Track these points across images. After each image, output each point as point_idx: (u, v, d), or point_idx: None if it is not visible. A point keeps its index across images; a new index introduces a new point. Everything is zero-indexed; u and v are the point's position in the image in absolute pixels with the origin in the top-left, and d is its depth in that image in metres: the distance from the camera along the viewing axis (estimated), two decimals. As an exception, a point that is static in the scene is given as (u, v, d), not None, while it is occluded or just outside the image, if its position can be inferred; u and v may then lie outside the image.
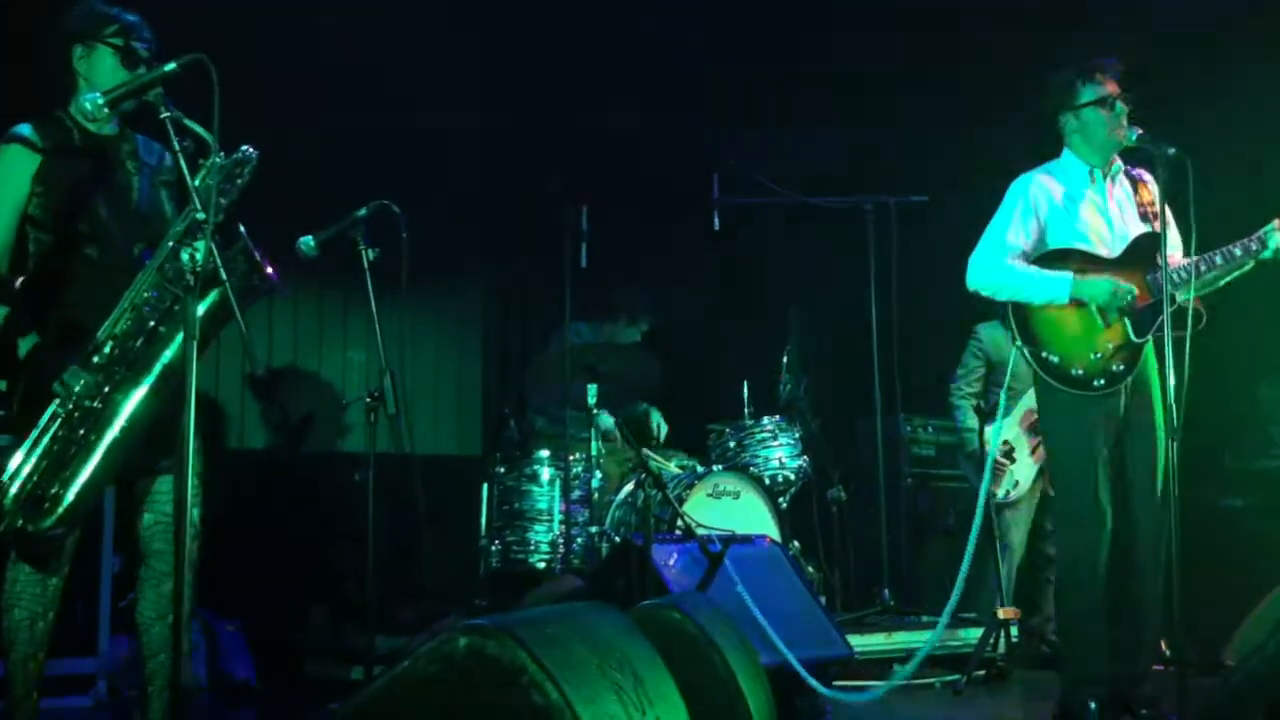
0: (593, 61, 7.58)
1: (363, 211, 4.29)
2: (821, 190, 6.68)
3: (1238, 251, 4.13)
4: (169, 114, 3.18)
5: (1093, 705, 4.06)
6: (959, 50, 7.39)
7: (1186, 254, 4.13)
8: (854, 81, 7.63)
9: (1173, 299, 4.02)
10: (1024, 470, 6.10)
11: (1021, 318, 4.27)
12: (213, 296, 3.34)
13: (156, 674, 3.56)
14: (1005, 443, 6.24)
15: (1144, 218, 4.30)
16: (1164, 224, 4.16)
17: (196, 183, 3.28)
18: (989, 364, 6.46)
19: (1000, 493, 6.03)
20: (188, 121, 3.20)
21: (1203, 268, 4.11)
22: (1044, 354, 4.21)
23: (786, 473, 6.30)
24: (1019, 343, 4.28)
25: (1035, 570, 6.21)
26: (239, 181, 3.46)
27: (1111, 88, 4.24)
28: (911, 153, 7.43)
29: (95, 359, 3.35)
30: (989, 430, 6.33)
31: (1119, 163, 4.37)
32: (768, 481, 6.13)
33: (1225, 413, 7.82)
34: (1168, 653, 4.84)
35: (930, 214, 6.44)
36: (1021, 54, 6.68)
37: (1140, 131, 4.14)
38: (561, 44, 7.51)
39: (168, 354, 3.40)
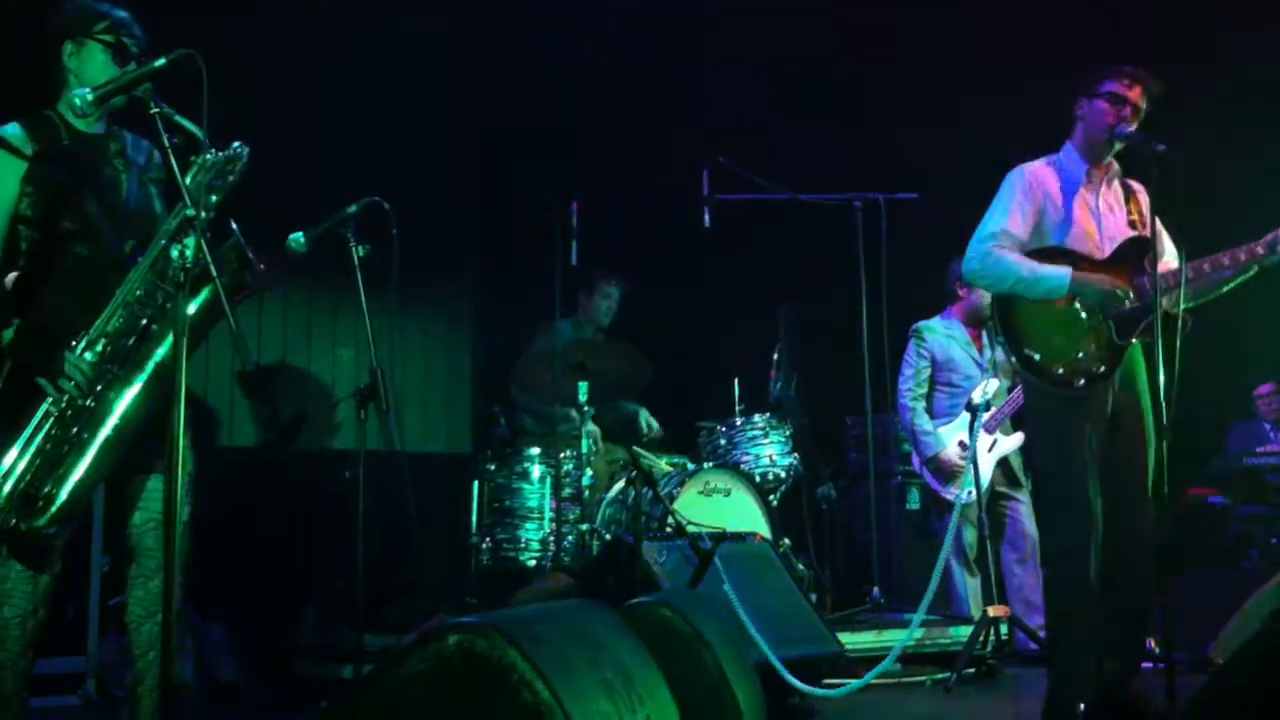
0: (586, 59, 7.57)
1: (353, 208, 4.28)
2: (812, 187, 6.68)
3: (1237, 258, 4.11)
4: (158, 109, 3.17)
5: (1081, 703, 4.07)
6: (953, 47, 7.40)
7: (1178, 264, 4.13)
8: (846, 78, 7.64)
9: (1161, 304, 4.03)
10: (981, 469, 6.11)
11: (1005, 314, 4.27)
12: (204, 294, 3.33)
13: (145, 673, 3.55)
14: (960, 443, 6.26)
15: (1132, 225, 4.31)
16: (1154, 228, 4.16)
17: (188, 180, 3.27)
18: (934, 363, 6.47)
19: (961, 494, 6.04)
20: (178, 118, 3.20)
21: (1190, 275, 4.10)
22: (1026, 351, 4.21)
23: (777, 470, 6.30)
24: (1001, 338, 4.28)
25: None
26: (230, 178, 3.46)
27: (1133, 94, 4.23)
28: (902, 150, 7.44)
29: (88, 356, 3.34)
30: (945, 430, 6.36)
31: (1116, 166, 4.38)
32: (758, 479, 6.13)
33: (1216, 411, 7.85)
34: (1156, 650, 4.86)
35: (920, 211, 6.45)
36: (1017, 52, 6.70)
37: (1131, 129, 4.14)
38: (555, 42, 7.51)
39: (160, 352, 3.39)
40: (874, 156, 7.43)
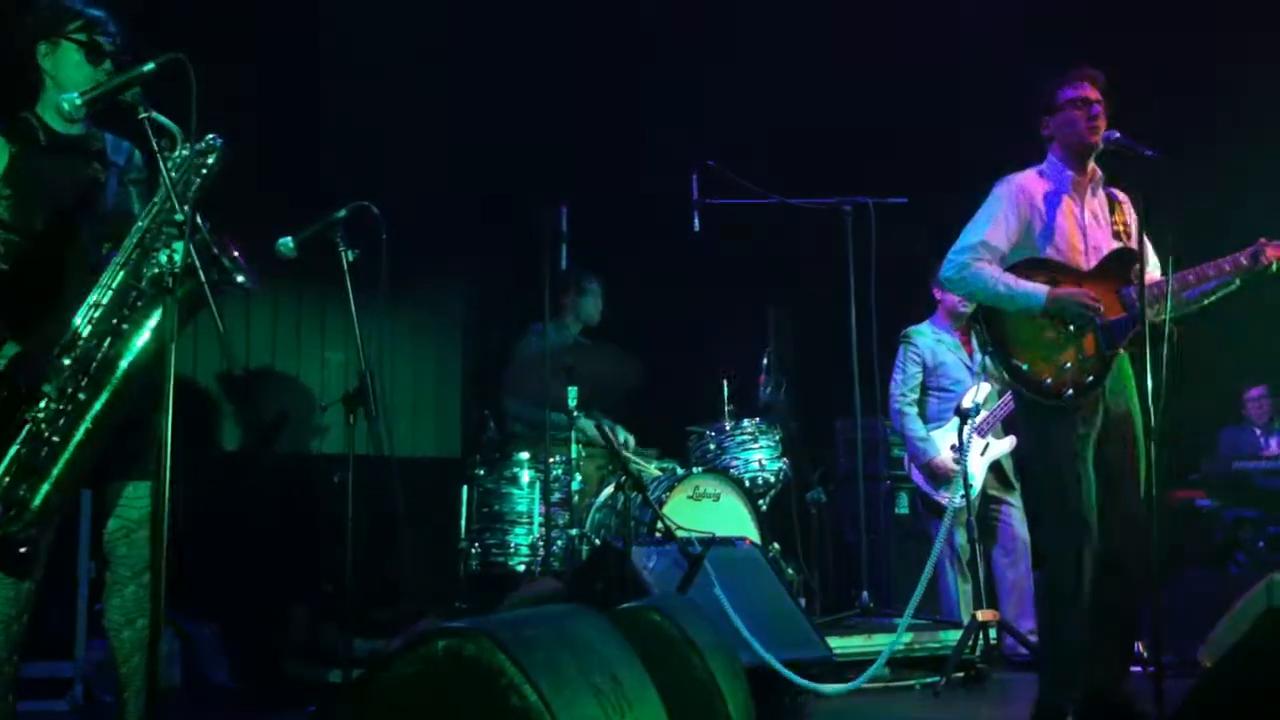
0: (575, 63, 7.58)
1: (342, 212, 4.28)
2: (801, 191, 6.69)
3: (1221, 269, 4.14)
4: (146, 114, 3.16)
5: (1070, 707, 4.08)
6: (944, 50, 7.42)
7: (1162, 274, 4.14)
8: (836, 81, 7.65)
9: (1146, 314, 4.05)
10: (973, 473, 6.12)
11: (993, 325, 4.28)
12: (179, 292, 3.30)
13: (129, 679, 3.53)
14: (952, 447, 6.26)
15: (1116, 236, 4.34)
16: (1141, 235, 4.17)
17: (163, 175, 3.24)
18: (924, 367, 6.48)
19: (954, 498, 6.04)
20: (157, 116, 3.18)
21: (1175, 285, 4.11)
22: (1014, 361, 4.23)
23: (766, 475, 6.29)
24: (990, 348, 4.29)
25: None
26: (204, 172, 3.43)
27: (1090, 93, 4.28)
28: (892, 154, 7.45)
29: (64, 360, 3.32)
30: (937, 434, 6.37)
31: (1100, 175, 4.40)
32: (748, 483, 6.13)
33: (1206, 416, 7.87)
34: (1145, 654, 4.87)
35: (910, 215, 6.46)
36: (1008, 55, 6.72)
37: (1118, 134, 4.16)
38: (544, 45, 7.51)
39: (132, 353, 3.37)
40: (863, 160, 7.44)
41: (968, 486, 5.88)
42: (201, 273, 3.10)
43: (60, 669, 4.99)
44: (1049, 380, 4.17)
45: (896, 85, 7.66)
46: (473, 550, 6.11)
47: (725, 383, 6.53)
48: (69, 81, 3.44)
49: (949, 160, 6.89)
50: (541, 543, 6.03)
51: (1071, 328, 4.18)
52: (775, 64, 7.79)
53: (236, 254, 3.45)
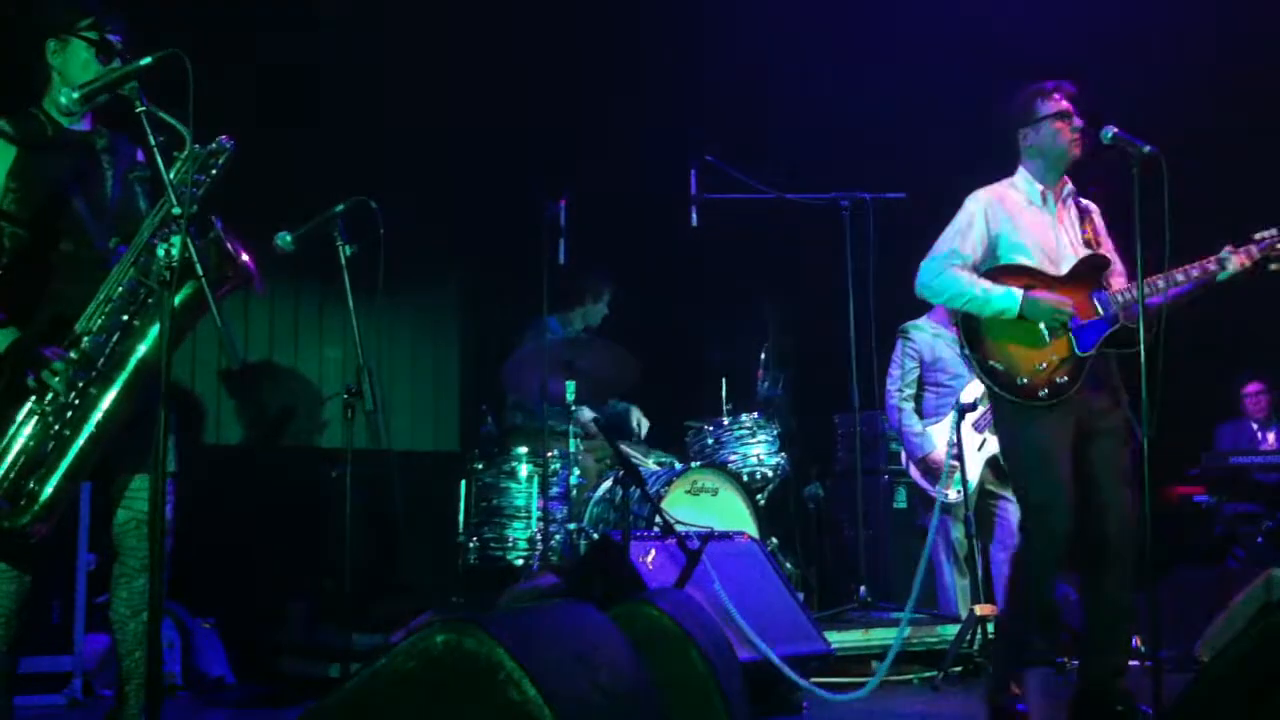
0: (572, 57, 7.58)
1: (340, 207, 4.28)
2: (799, 186, 6.69)
3: (1190, 274, 4.16)
4: (144, 108, 3.17)
5: (1017, 686, 4.11)
6: (943, 45, 7.42)
7: (1130, 280, 4.16)
8: (834, 77, 7.65)
9: (1119, 318, 4.13)
10: (971, 469, 6.12)
11: (970, 326, 4.32)
12: (187, 290, 3.32)
13: (132, 672, 3.54)
14: (949, 443, 6.26)
15: (1088, 244, 4.36)
16: (1139, 231, 4.16)
17: (172, 174, 3.26)
18: (921, 363, 6.49)
19: (950, 494, 6.03)
20: (162, 114, 3.19)
21: (1145, 290, 4.09)
22: (990, 362, 4.26)
23: (764, 469, 6.30)
24: (966, 350, 4.32)
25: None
26: (214, 172, 3.45)
27: (1069, 105, 4.31)
28: (890, 149, 7.45)
29: (72, 354, 3.33)
30: (933, 430, 6.37)
31: (1070, 185, 4.43)
32: (746, 478, 6.14)
33: (1203, 411, 7.87)
34: (1142, 649, 4.88)
35: (908, 211, 6.46)
36: (1005, 53, 6.73)
37: (1115, 130, 4.14)
38: (542, 41, 7.51)
39: (142, 348, 3.39)
40: (862, 156, 7.44)
41: (965, 482, 5.89)
42: (199, 268, 3.10)
43: (59, 662, 4.99)
44: (1024, 380, 4.20)
45: (895, 80, 7.66)
46: (471, 545, 6.11)
47: (724, 377, 6.53)
48: (77, 79, 3.45)
49: (947, 156, 6.88)
50: (540, 537, 6.03)
51: (1045, 330, 4.21)
52: (775, 59, 7.79)
53: (246, 258, 3.47)
